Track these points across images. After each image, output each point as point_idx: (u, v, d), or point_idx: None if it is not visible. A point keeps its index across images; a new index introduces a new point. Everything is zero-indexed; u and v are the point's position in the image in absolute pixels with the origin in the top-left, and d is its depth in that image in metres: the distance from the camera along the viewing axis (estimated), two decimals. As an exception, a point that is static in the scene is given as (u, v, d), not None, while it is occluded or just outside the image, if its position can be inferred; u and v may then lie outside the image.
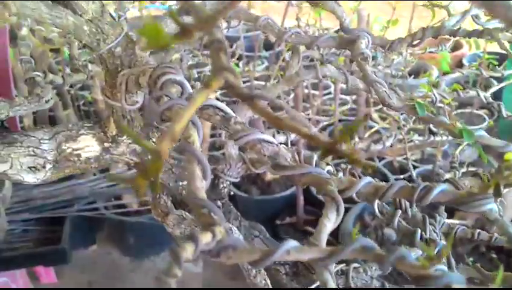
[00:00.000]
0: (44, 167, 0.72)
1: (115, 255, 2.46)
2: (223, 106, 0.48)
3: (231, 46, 3.62)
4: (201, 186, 0.35)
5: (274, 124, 0.23)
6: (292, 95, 2.59)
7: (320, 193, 0.42)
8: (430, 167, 2.26)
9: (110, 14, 0.67)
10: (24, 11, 0.59)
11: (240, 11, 0.68)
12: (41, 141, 0.72)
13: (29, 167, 0.72)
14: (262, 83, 3.11)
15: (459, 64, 3.00)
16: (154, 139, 0.76)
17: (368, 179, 0.41)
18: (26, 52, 0.90)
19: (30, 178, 0.73)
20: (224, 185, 0.80)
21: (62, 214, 1.87)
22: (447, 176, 1.02)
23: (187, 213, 0.66)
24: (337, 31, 2.12)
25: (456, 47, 3.16)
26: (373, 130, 2.43)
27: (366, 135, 2.37)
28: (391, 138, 2.12)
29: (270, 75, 3.12)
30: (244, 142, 0.45)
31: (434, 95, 0.73)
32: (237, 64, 3.19)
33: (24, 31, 0.89)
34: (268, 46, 3.34)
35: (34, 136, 0.73)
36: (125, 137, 0.74)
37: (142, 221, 2.05)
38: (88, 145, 0.74)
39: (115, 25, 0.67)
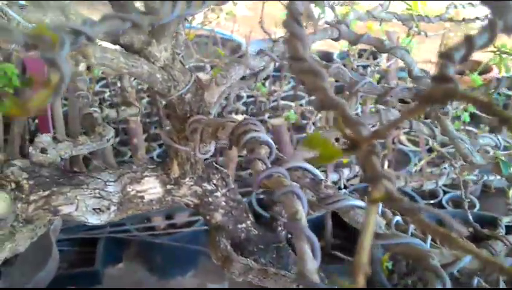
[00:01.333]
0: (108, 209, 0.73)
1: (142, 274, 2.46)
2: (312, 168, 0.47)
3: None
4: (314, 268, 0.35)
5: (445, 240, 0.23)
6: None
7: (420, 265, 0.41)
8: (460, 192, 2.23)
9: (180, 61, 0.68)
10: (104, 61, 0.60)
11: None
12: (107, 183, 0.73)
13: (94, 209, 0.73)
14: (290, 103, 3.11)
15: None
16: (215, 181, 0.76)
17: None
18: (84, 87, 0.91)
19: (94, 219, 0.73)
20: (282, 227, 0.79)
21: (95, 235, 1.88)
22: (506, 220, 1.00)
23: (253, 262, 0.66)
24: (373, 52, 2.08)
25: (486, 70, 3.12)
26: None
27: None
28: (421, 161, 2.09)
29: (297, 94, 3.12)
30: (336, 208, 0.45)
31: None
32: (263, 84, 3.20)
33: (82, 66, 0.91)
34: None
35: (100, 178, 0.73)
36: (187, 179, 0.75)
37: (170, 241, 2.05)
38: (151, 187, 0.74)
39: (185, 72, 0.68)
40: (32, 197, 0.72)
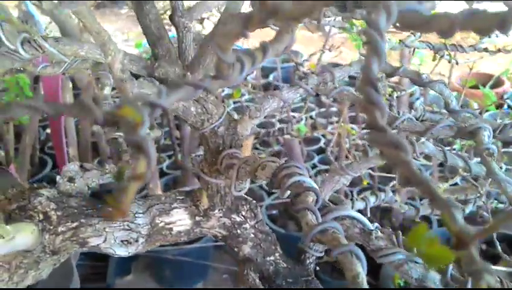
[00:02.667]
0: (137, 241, 0.71)
1: (150, 285, 2.45)
2: (361, 217, 0.46)
3: (267, 77, 3.64)
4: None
5: None
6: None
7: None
8: (473, 208, 2.21)
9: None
10: (142, 95, 0.59)
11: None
12: (136, 215, 0.72)
13: (122, 241, 0.71)
14: (301, 114, 3.10)
15: (501, 102, 2.94)
16: (243, 213, 0.75)
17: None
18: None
19: (122, 251, 0.72)
20: (311, 260, 0.78)
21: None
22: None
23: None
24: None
25: (498, 83, 3.11)
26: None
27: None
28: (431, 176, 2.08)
29: (307, 107, 3.11)
30: (389, 262, 0.43)
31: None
32: (274, 95, 3.19)
33: (107, 90, 0.90)
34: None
35: (130, 210, 0.72)
36: (216, 211, 0.73)
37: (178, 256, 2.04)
38: (180, 219, 0.73)
39: (218, 104, 0.67)
40: (60, 229, 0.71)
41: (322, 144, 2.95)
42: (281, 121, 3.17)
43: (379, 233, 0.45)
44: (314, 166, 2.75)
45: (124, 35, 5.24)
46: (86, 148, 2.59)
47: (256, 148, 3.01)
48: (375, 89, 0.29)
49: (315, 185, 0.48)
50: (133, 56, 0.63)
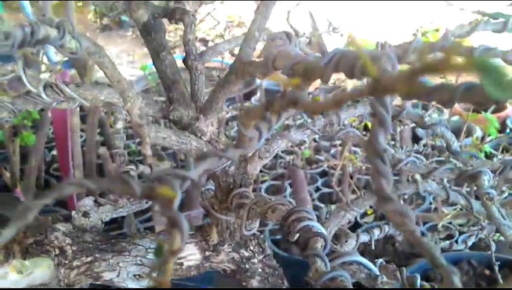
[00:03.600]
0: (149, 275, 0.74)
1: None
2: (367, 263, 0.48)
3: (270, 99, 3.68)
4: None
5: None
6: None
7: None
8: (476, 232, 2.21)
9: (225, 133, 0.70)
10: (157, 140, 0.62)
11: (349, 134, 0.70)
12: (148, 250, 0.74)
13: (135, 275, 0.74)
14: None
15: (503, 126, 2.97)
16: (251, 247, 0.77)
17: None
18: (121, 145, 0.94)
19: (134, 285, 0.74)
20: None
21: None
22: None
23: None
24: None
25: (500, 108, 3.14)
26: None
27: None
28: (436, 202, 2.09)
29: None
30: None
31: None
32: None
33: (120, 125, 0.93)
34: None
35: (141, 245, 0.75)
36: (226, 246, 0.76)
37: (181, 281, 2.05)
38: (191, 254, 0.76)
39: (228, 145, 0.70)
40: (75, 263, 0.73)
41: (325, 166, 2.97)
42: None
43: (384, 278, 0.47)
44: (317, 189, 2.77)
45: (129, 56, 5.32)
46: (91, 170, 2.62)
47: (260, 171, 3.03)
48: (382, 160, 0.32)
49: (324, 231, 0.51)
50: (149, 100, 0.66)
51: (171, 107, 0.67)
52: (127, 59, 5.09)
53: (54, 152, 3.20)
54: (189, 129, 0.68)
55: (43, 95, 0.65)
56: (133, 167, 0.93)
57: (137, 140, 2.98)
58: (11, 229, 0.25)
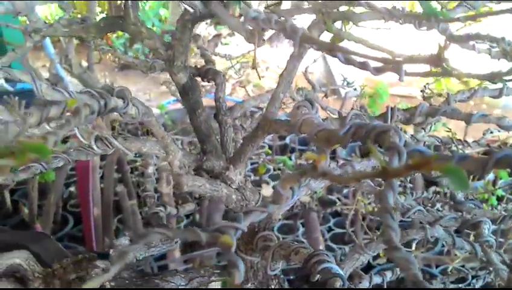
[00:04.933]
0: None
1: None
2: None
3: (284, 139, 3.79)
4: None
5: None
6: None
7: None
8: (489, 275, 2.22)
9: (250, 181, 0.78)
10: (194, 188, 0.70)
11: (363, 184, 0.78)
12: (179, 287, 0.81)
13: (166, 310, 0.81)
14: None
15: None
16: (273, 286, 0.84)
17: None
18: (151, 188, 1.02)
19: (165, 320, 0.81)
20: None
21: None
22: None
23: None
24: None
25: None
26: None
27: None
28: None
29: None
30: None
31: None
32: (290, 158, 3.32)
33: (151, 170, 1.02)
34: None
35: (173, 282, 0.82)
36: (249, 285, 0.82)
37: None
38: (217, 292, 0.83)
39: (254, 191, 0.78)
40: (113, 298, 0.80)
41: (337, 206, 3.02)
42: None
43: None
44: (329, 229, 2.81)
45: (146, 95, 5.52)
46: (108, 207, 2.70)
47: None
48: (391, 216, 0.40)
49: (342, 272, 0.58)
50: (185, 153, 0.75)
51: (205, 158, 0.76)
52: (144, 98, 5.27)
53: (72, 188, 3.30)
54: (220, 178, 0.76)
55: (94, 146, 0.74)
56: (161, 208, 1.01)
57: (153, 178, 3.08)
58: (112, 270, 0.33)
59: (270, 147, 3.61)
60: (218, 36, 5.74)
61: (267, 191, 3.14)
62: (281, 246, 0.69)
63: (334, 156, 2.56)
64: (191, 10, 0.66)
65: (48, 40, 3.70)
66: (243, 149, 0.76)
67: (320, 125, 0.50)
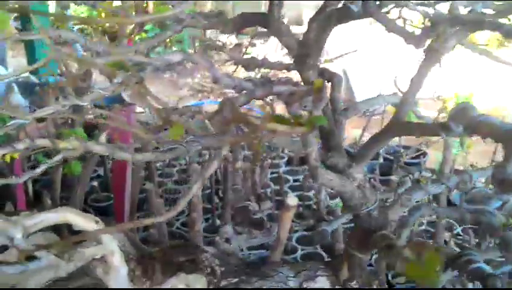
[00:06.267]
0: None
1: None
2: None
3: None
4: None
5: None
6: None
7: None
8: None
9: (369, 179, 0.81)
10: (325, 181, 0.73)
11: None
12: (288, 278, 0.83)
13: (274, 300, 0.82)
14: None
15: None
16: (374, 286, 0.86)
17: None
18: (240, 182, 1.04)
19: (272, 309, 0.82)
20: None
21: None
22: None
23: None
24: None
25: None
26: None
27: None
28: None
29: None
30: None
31: None
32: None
33: (238, 164, 1.04)
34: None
35: (282, 273, 0.84)
36: (354, 282, 0.84)
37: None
38: (322, 286, 0.84)
39: (372, 192, 0.80)
40: (222, 283, 0.82)
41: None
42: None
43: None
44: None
45: (165, 98, 5.56)
46: (134, 203, 2.70)
47: (292, 221, 3.09)
48: None
49: (491, 271, 0.60)
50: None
51: (329, 154, 0.78)
52: (164, 100, 5.28)
53: (94, 183, 3.29)
54: (343, 174, 0.78)
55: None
56: (250, 202, 1.03)
57: (173, 178, 3.09)
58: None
59: (290, 159, 3.63)
60: (239, 45, 5.81)
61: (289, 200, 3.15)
62: (413, 243, 0.71)
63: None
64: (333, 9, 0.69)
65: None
66: (368, 148, 0.78)
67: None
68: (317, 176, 0.72)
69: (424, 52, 0.77)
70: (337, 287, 0.84)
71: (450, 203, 2.55)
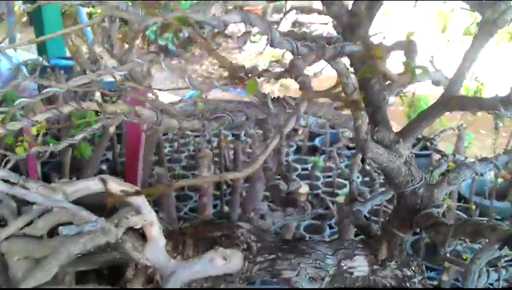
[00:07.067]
0: (322, 279, 0.80)
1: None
2: None
3: (313, 139, 3.78)
4: None
5: None
6: None
7: None
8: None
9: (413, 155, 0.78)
10: (375, 155, 0.70)
11: None
12: (326, 256, 0.81)
13: (311, 277, 0.80)
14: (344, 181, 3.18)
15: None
16: (413, 267, 0.84)
17: None
18: (269, 160, 1.01)
19: (308, 286, 0.80)
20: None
21: None
22: None
23: None
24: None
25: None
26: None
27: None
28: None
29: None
30: None
31: None
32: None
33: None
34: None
35: (320, 250, 0.81)
36: (393, 262, 0.82)
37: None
38: (360, 265, 0.82)
39: (417, 169, 0.78)
40: (258, 259, 0.79)
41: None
42: (325, 184, 3.25)
43: None
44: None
45: (173, 84, 5.53)
46: (144, 186, 2.68)
47: (300, 209, 3.07)
48: None
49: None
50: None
51: (376, 129, 0.75)
52: (170, 86, 5.24)
53: (103, 166, 3.26)
54: (390, 150, 0.76)
55: (270, 106, 0.73)
56: (281, 181, 1.01)
57: (182, 164, 3.07)
58: None
59: (299, 147, 3.60)
60: (248, 33, 5.77)
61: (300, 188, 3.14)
62: (466, 222, 0.68)
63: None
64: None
65: (85, 18, 3.68)
66: (416, 124, 0.75)
67: None
68: (367, 149, 0.69)
69: (478, 25, 0.74)
70: (375, 266, 0.81)
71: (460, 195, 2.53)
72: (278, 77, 0.52)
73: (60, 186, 0.60)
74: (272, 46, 0.59)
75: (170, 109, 0.84)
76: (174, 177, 2.96)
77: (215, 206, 2.94)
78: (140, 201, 0.69)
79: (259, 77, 0.57)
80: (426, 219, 0.74)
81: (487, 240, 0.65)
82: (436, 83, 0.91)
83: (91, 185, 0.63)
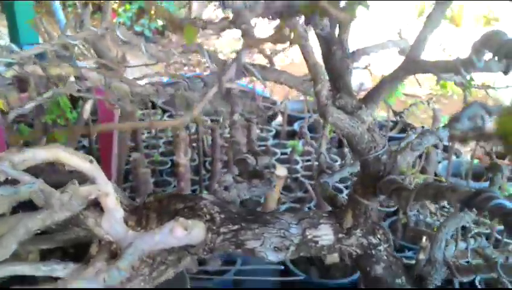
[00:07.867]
0: (287, 249, 0.79)
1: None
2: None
3: (291, 124, 3.78)
4: None
5: None
6: None
7: None
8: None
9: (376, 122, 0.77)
10: (336, 120, 0.69)
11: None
12: (290, 225, 0.80)
13: (275, 247, 0.79)
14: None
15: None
16: (379, 235, 0.83)
17: None
18: (238, 136, 1.00)
19: (273, 257, 0.79)
20: (432, 287, 0.85)
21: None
22: None
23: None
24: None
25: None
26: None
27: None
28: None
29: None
30: None
31: None
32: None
33: (236, 116, 1.00)
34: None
35: (283, 220, 0.80)
36: (358, 230, 0.82)
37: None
38: (325, 234, 0.81)
39: (381, 136, 0.77)
40: (222, 230, 0.78)
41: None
42: (304, 168, 3.27)
43: None
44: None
45: (148, 69, 5.47)
46: (120, 175, 2.64)
47: (280, 193, 3.09)
48: None
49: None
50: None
51: (338, 95, 0.74)
52: (145, 71, 5.19)
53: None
54: (351, 116, 0.75)
55: (230, 72, 0.71)
56: (249, 155, 0.99)
57: (160, 150, 3.04)
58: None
59: (278, 132, 3.60)
60: (225, 19, 5.71)
61: (278, 171, 3.14)
62: (428, 185, 0.68)
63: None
64: None
65: (57, 5, 3.59)
66: (379, 90, 0.75)
67: None
68: (327, 114, 0.68)
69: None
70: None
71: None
72: (223, 27, 0.50)
73: (6, 156, 0.58)
74: (224, 7, 0.57)
75: (133, 83, 0.82)
76: (152, 163, 2.93)
77: (193, 191, 2.93)
78: (95, 171, 0.67)
79: (203, 29, 0.55)
80: (389, 185, 0.74)
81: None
82: (402, 51, 0.90)
83: (40, 155, 0.61)
